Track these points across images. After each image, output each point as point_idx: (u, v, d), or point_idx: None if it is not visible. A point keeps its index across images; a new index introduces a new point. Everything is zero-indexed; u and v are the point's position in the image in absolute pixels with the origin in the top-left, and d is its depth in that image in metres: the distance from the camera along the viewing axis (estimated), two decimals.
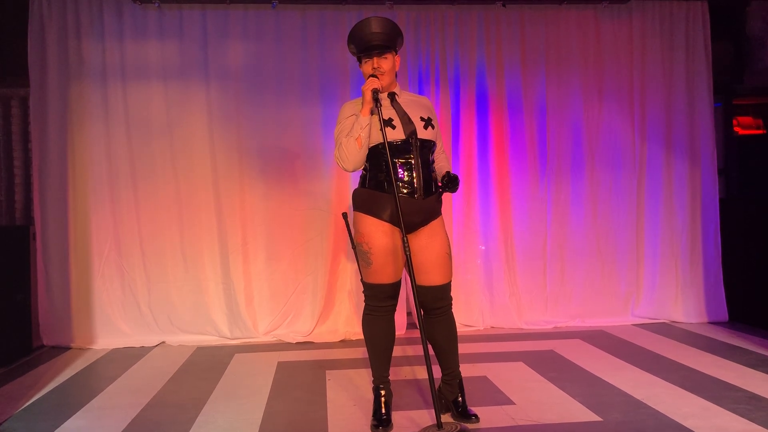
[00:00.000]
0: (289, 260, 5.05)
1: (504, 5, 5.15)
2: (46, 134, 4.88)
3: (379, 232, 3.00)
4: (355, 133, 2.95)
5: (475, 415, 3.07)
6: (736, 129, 6.10)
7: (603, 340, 4.74)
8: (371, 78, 2.99)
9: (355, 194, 3.14)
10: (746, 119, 6.31)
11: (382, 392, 3.10)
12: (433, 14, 5.19)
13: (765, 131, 6.30)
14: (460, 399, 3.13)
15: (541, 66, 5.27)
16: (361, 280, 3.12)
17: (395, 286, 3.07)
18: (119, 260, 4.96)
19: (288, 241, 5.05)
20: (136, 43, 4.96)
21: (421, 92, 5.12)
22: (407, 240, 2.94)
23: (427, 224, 3.06)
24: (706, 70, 5.31)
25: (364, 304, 3.13)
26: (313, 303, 5.04)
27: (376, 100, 2.95)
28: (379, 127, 2.96)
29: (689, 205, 5.32)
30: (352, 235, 3.20)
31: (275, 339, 4.98)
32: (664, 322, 5.28)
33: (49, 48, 4.88)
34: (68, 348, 4.82)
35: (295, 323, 5.03)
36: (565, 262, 5.29)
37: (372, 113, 2.97)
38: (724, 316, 5.28)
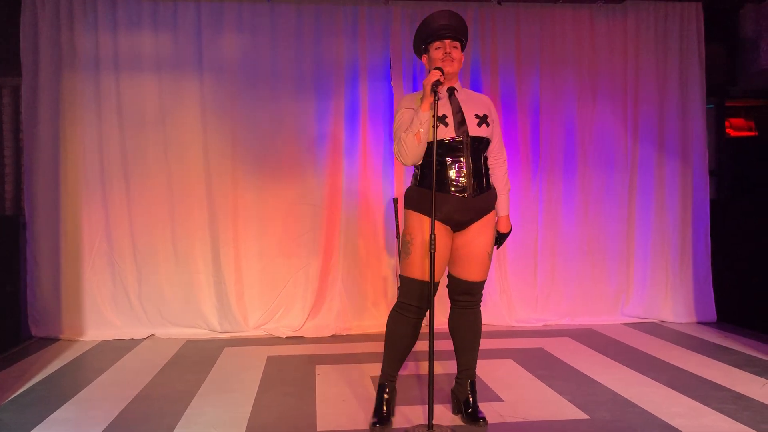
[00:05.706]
0: (280, 255, 5.04)
1: (499, 3, 5.15)
2: (38, 124, 4.85)
3: (426, 228, 2.94)
4: (415, 128, 2.89)
5: (484, 419, 3.03)
6: (728, 131, 6.13)
7: (592, 338, 4.76)
8: (434, 71, 2.89)
9: (407, 192, 3.13)
10: (738, 121, 6.34)
11: (386, 389, 3.07)
12: (428, 10, 5.15)
13: (757, 133, 6.33)
14: (470, 399, 3.10)
15: (535, 64, 5.28)
16: (399, 275, 3.10)
17: (427, 287, 2.95)
18: (110, 252, 4.94)
19: (280, 235, 5.04)
20: (129, 34, 4.94)
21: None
22: (434, 237, 2.82)
23: (477, 221, 3.04)
24: (699, 72, 5.33)
25: (395, 302, 3.10)
26: (304, 298, 5.04)
27: (435, 93, 2.85)
28: (432, 124, 2.87)
29: (680, 206, 5.35)
30: (400, 229, 3.18)
31: (265, 333, 4.98)
32: (653, 322, 5.31)
33: (41, 37, 4.84)
34: (57, 339, 4.80)
35: (285, 318, 5.03)
36: (555, 261, 5.31)
37: (431, 108, 2.87)
38: (712, 316, 5.31)
